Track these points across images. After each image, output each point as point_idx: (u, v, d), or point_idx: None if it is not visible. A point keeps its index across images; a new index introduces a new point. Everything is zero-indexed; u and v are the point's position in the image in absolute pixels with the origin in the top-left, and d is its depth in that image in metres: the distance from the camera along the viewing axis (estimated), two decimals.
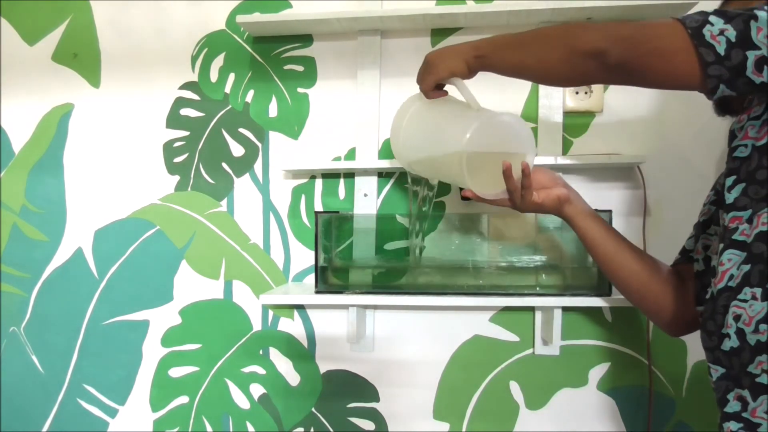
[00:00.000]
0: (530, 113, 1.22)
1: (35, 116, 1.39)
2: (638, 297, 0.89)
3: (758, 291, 0.61)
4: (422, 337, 1.26)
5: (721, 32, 0.60)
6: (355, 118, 1.27)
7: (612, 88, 1.20)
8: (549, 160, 1.15)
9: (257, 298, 1.30)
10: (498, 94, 1.23)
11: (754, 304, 0.61)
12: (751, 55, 0.58)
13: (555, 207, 0.88)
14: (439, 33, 1.26)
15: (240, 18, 1.20)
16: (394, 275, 1.18)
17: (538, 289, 1.13)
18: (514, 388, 1.23)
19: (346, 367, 1.28)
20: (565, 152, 1.21)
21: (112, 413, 1.36)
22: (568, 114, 1.21)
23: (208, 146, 1.33)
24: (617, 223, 1.19)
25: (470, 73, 0.87)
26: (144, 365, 1.34)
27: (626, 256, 0.87)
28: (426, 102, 0.95)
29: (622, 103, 1.20)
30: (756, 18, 0.59)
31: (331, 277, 1.19)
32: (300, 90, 1.30)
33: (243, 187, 1.32)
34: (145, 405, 1.34)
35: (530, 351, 1.23)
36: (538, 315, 1.21)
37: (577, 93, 1.20)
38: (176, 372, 1.33)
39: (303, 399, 1.29)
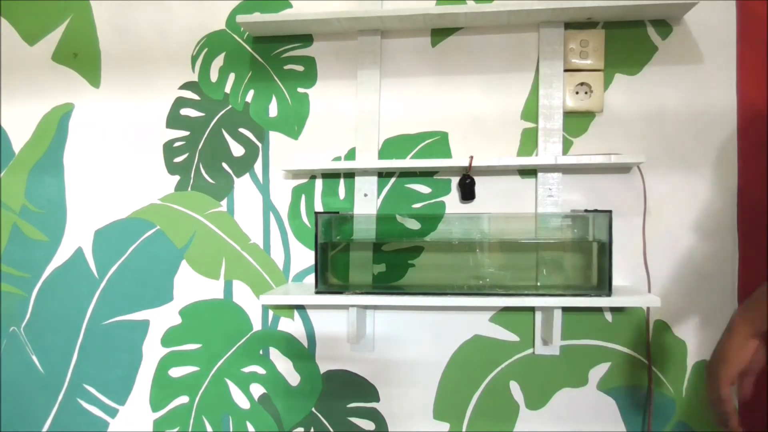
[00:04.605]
0: (530, 113, 1.22)
1: (35, 116, 1.39)
2: None
3: None
4: (422, 337, 1.26)
5: None
6: (355, 118, 1.27)
7: (612, 88, 1.20)
8: (549, 160, 1.15)
9: (257, 298, 1.30)
10: (499, 94, 1.24)
11: None
12: None
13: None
14: (439, 33, 1.26)
15: (240, 18, 1.20)
16: (394, 275, 1.18)
17: (538, 288, 1.13)
18: (514, 388, 1.23)
19: (346, 367, 1.28)
20: (565, 152, 1.21)
21: (112, 413, 1.36)
22: (568, 114, 1.21)
23: (208, 146, 1.33)
24: (617, 223, 1.19)
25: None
26: (144, 365, 1.34)
27: None
28: None
29: (622, 103, 1.20)
30: None
31: (331, 277, 1.19)
32: (300, 90, 1.30)
33: (243, 187, 1.32)
34: (145, 405, 1.34)
35: (530, 351, 1.23)
36: (538, 315, 1.21)
37: (577, 93, 1.20)
38: (176, 372, 1.33)
39: (303, 399, 1.29)
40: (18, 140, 1.40)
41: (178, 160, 1.34)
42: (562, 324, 1.16)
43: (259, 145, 1.31)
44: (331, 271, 1.19)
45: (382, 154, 1.26)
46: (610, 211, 1.09)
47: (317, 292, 1.14)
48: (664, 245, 1.19)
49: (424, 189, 1.26)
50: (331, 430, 1.28)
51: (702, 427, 1.18)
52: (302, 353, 1.29)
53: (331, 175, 1.29)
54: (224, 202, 1.32)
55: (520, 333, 1.23)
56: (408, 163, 1.19)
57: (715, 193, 1.18)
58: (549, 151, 1.20)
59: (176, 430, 1.33)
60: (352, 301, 1.12)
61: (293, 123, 1.30)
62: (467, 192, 1.21)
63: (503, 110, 1.24)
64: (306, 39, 1.30)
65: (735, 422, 0.80)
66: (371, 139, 1.25)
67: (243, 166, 1.32)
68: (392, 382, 1.26)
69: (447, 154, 1.25)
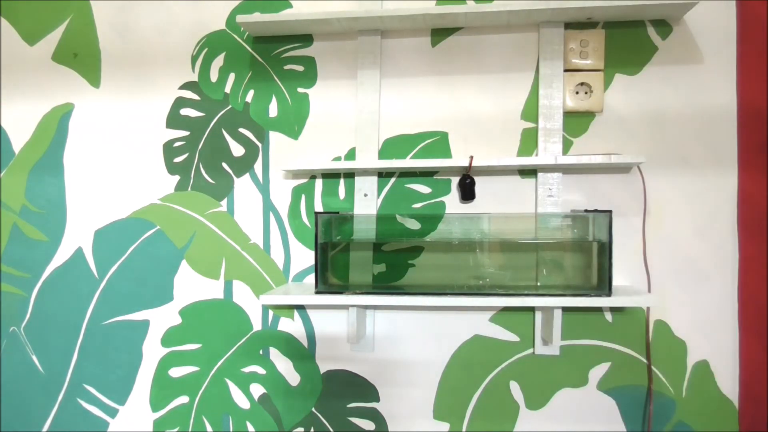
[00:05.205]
0: (530, 113, 1.22)
1: (35, 116, 1.39)
2: None
3: None
4: (422, 337, 1.26)
5: None
6: (355, 118, 1.27)
7: (612, 88, 1.20)
8: (549, 160, 1.15)
9: (257, 298, 1.30)
10: (499, 94, 1.24)
11: None
12: None
13: None
14: (439, 33, 1.26)
15: (240, 18, 1.20)
16: (394, 275, 1.18)
17: (538, 288, 1.13)
18: (514, 388, 1.23)
19: (346, 367, 1.28)
20: (565, 152, 1.21)
21: (112, 413, 1.36)
22: (568, 114, 1.21)
23: (208, 146, 1.33)
24: (617, 223, 1.19)
25: None
26: (144, 365, 1.34)
27: None
28: None
29: (622, 103, 1.20)
30: None
31: (331, 277, 1.19)
32: (300, 90, 1.30)
33: (243, 187, 1.32)
34: (145, 405, 1.34)
35: (530, 351, 1.23)
36: (538, 315, 1.21)
37: (577, 93, 1.20)
38: (176, 372, 1.33)
39: (303, 399, 1.29)
40: (18, 140, 1.40)
41: (178, 160, 1.34)
42: (562, 324, 1.16)
43: (259, 145, 1.31)
44: (331, 271, 1.19)
45: (382, 154, 1.26)
46: (610, 211, 1.09)
47: (317, 292, 1.14)
48: (664, 245, 1.19)
49: (424, 189, 1.26)
50: (331, 430, 1.28)
51: (702, 427, 1.18)
52: (302, 353, 1.29)
53: (331, 175, 1.29)
54: (224, 202, 1.32)
55: (520, 333, 1.23)
56: (408, 163, 1.19)
57: (715, 193, 1.18)
58: (549, 151, 1.20)
59: (176, 430, 1.33)
60: (352, 301, 1.12)
61: (293, 123, 1.30)
62: (467, 192, 1.21)
63: (503, 110, 1.24)
64: (306, 39, 1.30)
65: None
66: (371, 139, 1.25)
67: (243, 166, 1.32)
68: (392, 382, 1.26)
69: (447, 154, 1.25)
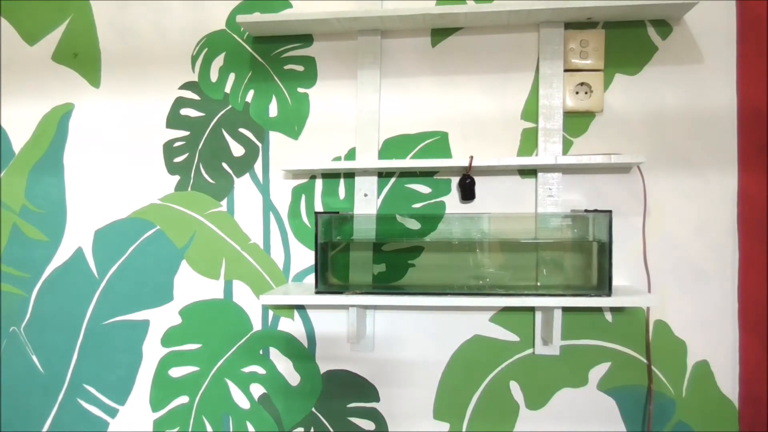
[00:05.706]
0: (530, 113, 1.22)
1: (35, 116, 1.39)
2: None
3: None
4: (422, 337, 1.26)
5: None
6: (355, 118, 1.27)
7: (612, 88, 1.20)
8: (549, 160, 1.15)
9: (257, 298, 1.30)
10: (499, 94, 1.24)
11: None
12: None
13: None
14: (439, 33, 1.26)
15: (240, 18, 1.20)
16: (394, 275, 1.18)
17: (538, 288, 1.13)
18: (514, 388, 1.23)
19: (346, 367, 1.28)
20: (565, 152, 1.21)
21: (112, 413, 1.36)
22: (568, 114, 1.21)
23: (208, 146, 1.33)
24: (617, 223, 1.19)
25: None
26: (144, 365, 1.34)
27: None
28: None
29: (622, 103, 1.20)
30: None
31: (331, 277, 1.19)
32: (300, 90, 1.30)
33: (243, 187, 1.32)
34: (145, 405, 1.34)
35: (530, 351, 1.23)
36: (538, 315, 1.21)
37: (577, 93, 1.20)
38: (176, 372, 1.33)
39: (303, 399, 1.29)
40: (18, 140, 1.40)
41: (178, 160, 1.34)
42: (562, 324, 1.16)
43: (259, 145, 1.31)
44: (331, 271, 1.19)
45: (382, 154, 1.26)
46: (610, 211, 1.09)
47: (317, 292, 1.14)
48: (664, 245, 1.19)
49: (424, 189, 1.26)
50: (331, 430, 1.28)
51: (702, 427, 1.18)
52: (302, 353, 1.29)
53: (331, 175, 1.29)
54: (224, 202, 1.32)
55: (520, 333, 1.23)
56: (408, 163, 1.19)
57: (715, 192, 1.18)
58: (549, 151, 1.20)
59: (176, 430, 1.33)
60: (352, 301, 1.12)
61: (293, 123, 1.30)
62: (467, 192, 1.21)
63: (503, 110, 1.24)
64: (306, 39, 1.30)
65: None
66: (371, 139, 1.25)
67: (243, 166, 1.32)
68: (392, 382, 1.27)
69: (447, 154, 1.25)
